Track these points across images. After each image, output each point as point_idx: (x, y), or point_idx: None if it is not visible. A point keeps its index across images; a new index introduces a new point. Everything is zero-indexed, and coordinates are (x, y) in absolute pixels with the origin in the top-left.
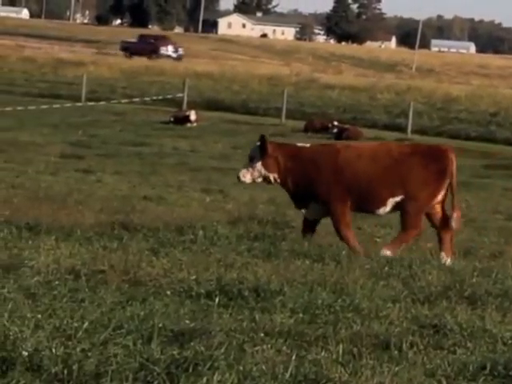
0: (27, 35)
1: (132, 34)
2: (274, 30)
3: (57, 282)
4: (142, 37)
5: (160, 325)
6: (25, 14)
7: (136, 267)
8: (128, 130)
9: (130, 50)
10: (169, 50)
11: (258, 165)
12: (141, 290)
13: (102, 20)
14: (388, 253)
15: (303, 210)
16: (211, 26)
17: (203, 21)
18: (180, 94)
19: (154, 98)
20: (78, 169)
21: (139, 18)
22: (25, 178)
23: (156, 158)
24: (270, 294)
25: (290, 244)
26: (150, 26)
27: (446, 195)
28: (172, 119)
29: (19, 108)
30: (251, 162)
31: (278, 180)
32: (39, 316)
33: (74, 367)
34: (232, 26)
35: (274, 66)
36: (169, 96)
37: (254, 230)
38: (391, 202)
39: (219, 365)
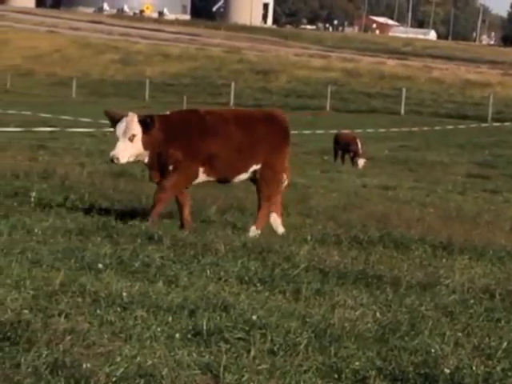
0: (434, 56)
1: None
2: None
3: (472, 301)
4: None
5: None
6: (432, 35)
7: None
8: None
9: None
10: None
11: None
12: None
13: (508, 41)
14: (255, 230)
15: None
16: None
17: None
18: None
19: None
20: (486, 189)
21: None
22: (434, 196)
23: None
24: None
25: None
26: None
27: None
28: None
29: (425, 128)
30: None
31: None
32: (458, 334)
33: None
34: None
35: None
36: None
37: None
38: (251, 170)
39: None
